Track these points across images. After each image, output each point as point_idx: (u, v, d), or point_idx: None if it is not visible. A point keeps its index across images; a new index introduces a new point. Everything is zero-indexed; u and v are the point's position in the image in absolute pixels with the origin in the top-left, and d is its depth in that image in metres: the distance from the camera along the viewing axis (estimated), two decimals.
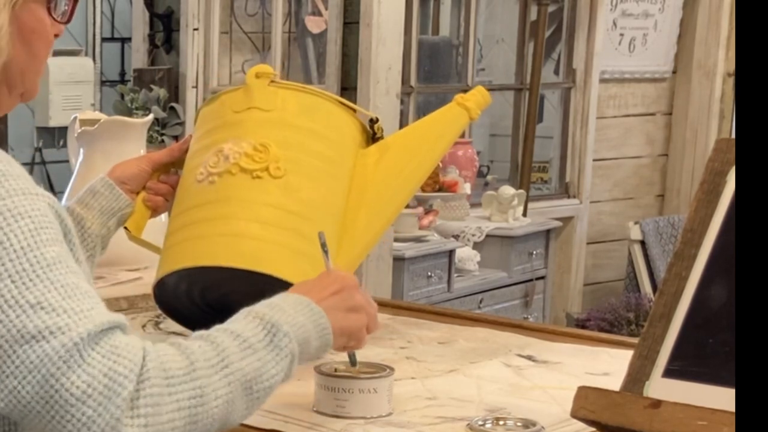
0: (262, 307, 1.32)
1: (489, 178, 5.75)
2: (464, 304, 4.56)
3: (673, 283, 1.31)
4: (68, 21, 1.42)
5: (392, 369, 1.55)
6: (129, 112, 4.78)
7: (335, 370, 1.54)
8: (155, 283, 1.79)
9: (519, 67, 5.65)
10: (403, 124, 4.70)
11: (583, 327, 4.85)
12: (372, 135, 1.87)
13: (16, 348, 1.14)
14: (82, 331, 1.14)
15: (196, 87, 5.03)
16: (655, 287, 5.49)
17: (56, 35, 1.41)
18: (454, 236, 4.71)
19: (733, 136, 1.42)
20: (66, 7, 1.41)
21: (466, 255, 4.72)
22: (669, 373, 1.27)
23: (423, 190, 4.73)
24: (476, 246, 4.83)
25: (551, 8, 5.46)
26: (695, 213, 1.34)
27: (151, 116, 2.65)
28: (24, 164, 1.26)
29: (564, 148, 5.74)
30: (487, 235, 4.85)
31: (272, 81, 1.81)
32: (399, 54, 4.37)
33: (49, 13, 1.38)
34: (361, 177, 1.82)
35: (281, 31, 5.04)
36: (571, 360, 1.81)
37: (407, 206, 3.82)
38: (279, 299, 1.35)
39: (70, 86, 4.97)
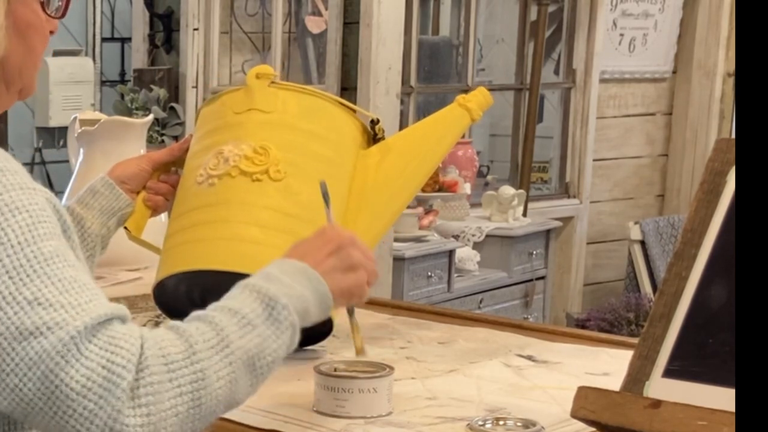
0: (259, 279, 1.30)
1: (489, 178, 5.75)
2: (464, 304, 4.56)
3: (673, 283, 1.31)
4: (62, 16, 1.42)
5: (392, 368, 1.55)
6: (129, 112, 4.78)
7: (335, 370, 1.54)
8: (155, 285, 1.79)
9: (519, 67, 5.65)
10: (403, 124, 4.70)
11: (583, 327, 4.85)
12: (373, 136, 1.87)
13: (15, 345, 1.15)
14: (78, 325, 1.14)
15: (196, 87, 5.03)
16: (655, 287, 5.49)
17: (52, 32, 1.42)
18: (454, 236, 4.71)
19: (733, 136, 1.42)
20: (59, 3, 1.42)
21: (466, 255, 4.72)
22: (669, 373, 1.27)
23: (423, 190, 4.73)
24: (476, 246, 4.83)
25: (551, 8, 5.46)
26: (695, 213, 1.34)
27: (151, 116, 2.65)
28: (24, 164, 1.27)
29: (564, 148, 5.74)
30: (487, 235, 4.85)
31: (273, 82, 1.81)
32: (399, 54, 4.37)
33: (43, 9, 1.39)
34: (362, 178, 1.82)
35: (281, 31, 5.04)
36: (571, 360, 1.81)
37: (407, 206, 3.83)
38: (275, 269, 1.33)
39: (70, 86, 4.97)
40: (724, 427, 1.15)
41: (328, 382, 1.52)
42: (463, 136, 5.01)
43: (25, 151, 4.98)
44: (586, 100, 5.67)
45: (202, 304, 1.79)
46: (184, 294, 1.78)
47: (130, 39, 5.29)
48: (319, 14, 5.10)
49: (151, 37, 5.19)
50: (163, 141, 4.77)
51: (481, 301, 4.72)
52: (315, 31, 5.12)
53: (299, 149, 1.76)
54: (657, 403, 1.21)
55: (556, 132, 5.79)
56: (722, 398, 1.19)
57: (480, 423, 1.44)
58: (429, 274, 4.43)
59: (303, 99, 1.82)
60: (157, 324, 1.99)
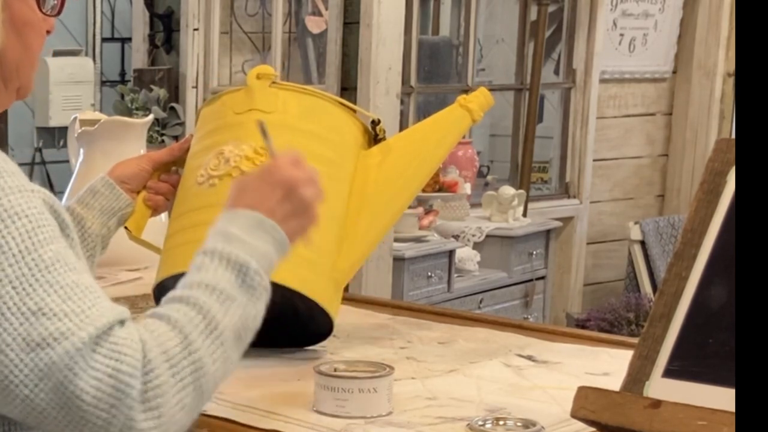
0: (221, 242, 1.29)
1: (489, 178, 5.75)
2: (464, 304, 4.56)
3: (673, 283, 1.31)
4: (58, 14, 1.43)
5: (392, 368, 1.55)
6: (129, 113, 4.78)
7: (335, 370, 1.54)
8: (155, 285, 1.79)
9: (519, 67, 5.65)
10: (403, 124, 4.70)
11: (583, 327, 4.85)
12: (374, 136, 1.87)
13: (23, 356, 1.15)
14: (83, 336, 1.15)
15: (196, 87, 5.03)
16: (655, 287, 5.49)
17: (48, 31, 1.43)
18: (454, 236, 4.71)
19: (733, 136, 1.42)
20: (55, 1, 1.42)
21: (466, 255, 4.72)
22: (669, 373, 1.27)
23: (423, 190, 4.69)
24: (476, 246, 4.83)
25: (551, 8, 5.46)
26: (695, 213, 1.34)
27: (151, 116, 2.65)
28: (24, 164, 1.27)
29: (564, 148, 5.74)
30: (487, 235, 4.85)
31: (273, 82, 1.81)
32: (399, 54, 4.37)
33: (39, 7, 1.39)
34: (363, 178, 1.82)
35: (281, 31, 5.04)
36: (571, 360, 1.81)
37: (407, 207, 3.82)
38: (233, 226, 1.31)
39: (70, 86, 4.96)
40: (724, 427, 1.15)
41: (328, 382, 1.52)
42: (464, 137, 5.01)
43: (25, 151, 4.98)
44: (586, 100, 5.67)
45: None
46: None
47: (130, 39, 5.28)
48: (319, 14, 5.10)
49: (151, 37, 5.19)
50: (163, 141, 4.77)
51: (481, 301, 4.72)
52: (315, 31, 5.12)
53: (300, 149, 1.76)
54: (657, 403, 1.21)
55: (556, 132, 5.79)
56: (722, 398, 1.19)
57: (480, 423, 1.44)
58: (429, 274, 4.43)
59: (304, 99, 1.82)
60: None
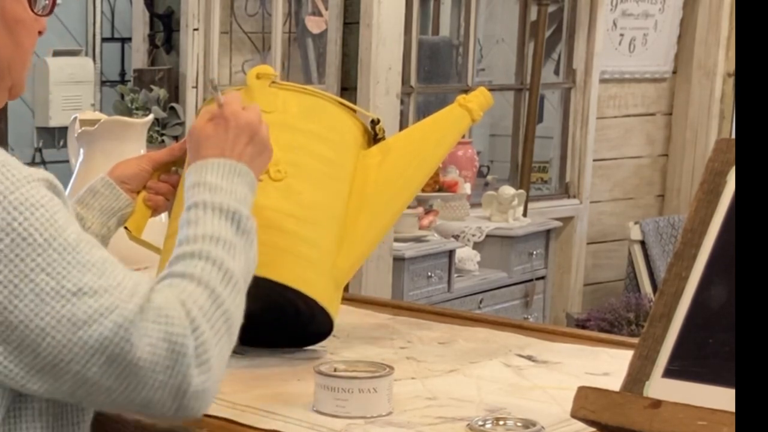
0: (206, 193, 1.38)
1: (489, 178, 5.75)
2: (464, 304, 4.56)
3: (673, 283, 1.31)
4: (49, 13, 1.44)
5: (392, 368, 1.55)
6: (129, 112, 4.78)
7: (335, 370, 1.54)
8: None
9: (519, 67, 5.65)
10: (403, 124, 4.70)
11: (583, 327, 4.85)
12: (374, 136, 1.87)
13: (71, 336, 1.20)
14: (131, 307, 1.22)
15: (196, 87, 5.03)
16: (655, 287, 5.49)
17: (40, 32, 1.44)
18: (454, 236, 4.71)
19: (733, 136, 1.42)
20: (46, 1, 1.44)
21: (466, 255, 4.72)
22: (669, 373, 1.27)
23: (423, 190, 4.71)
24: (476, 246, 4.83)
25: (551, 8, 5.46)
26: (695, 213, 1.34)
27: (151, 116, 2.65)
28: (24, 164, 1.28)
29: (564, 148, 5.74)
30: (487, 235, 4.85)
31: (273, 82, 1.81)
32: (399, 54, 4.37)
33: (31, 7, 1.40)
34: (363, 178, 1.82)
35: (281, 31, 5.04)
36: (571, 360, 1.81)
37: (407, 206, 3.82)
38: (211, 176, 1.40)
39: (70, 86, 4.96)
40: (724, 427, 1.15)
41: (328, 382, 1.52)
42: (463, 136, 5.00)
43: (25, 151, 4.98)
44: (586, 100, 5.67)
45: None
46: None
47: (130, 39, 5.28)
48: (319, 14, 5.10)
49: (151, 37, 5.19)
50: (163, 141, 4.77)
51: (481, 301, 4.72)
52: (315, 31, 5.13)
53: (300, 149, 1.76)
54: (657, 403, 1.21)
55: (556, 132, 5.79)
56: (722, 398, 1.19)
57: (480, 423, 1.44)
58: (429, 274, 4.43)
59: (303, 99, 1.82)
60: None
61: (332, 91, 4.23)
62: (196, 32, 5.01)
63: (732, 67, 5.84)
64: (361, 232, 1.79)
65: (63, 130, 3.85)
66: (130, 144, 2.41)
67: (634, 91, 5.95)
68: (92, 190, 1.76)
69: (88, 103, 4.98)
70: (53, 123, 4.96)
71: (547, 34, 5.47)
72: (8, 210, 1.21)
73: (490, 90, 1.96)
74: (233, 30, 5.19)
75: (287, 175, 1.73)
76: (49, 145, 5.08)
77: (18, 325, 1.20)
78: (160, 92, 4.89)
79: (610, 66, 5.78)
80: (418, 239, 4.44)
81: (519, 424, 1.44)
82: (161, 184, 1.82)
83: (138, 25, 5.22)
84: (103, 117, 2.48)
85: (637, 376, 1.29)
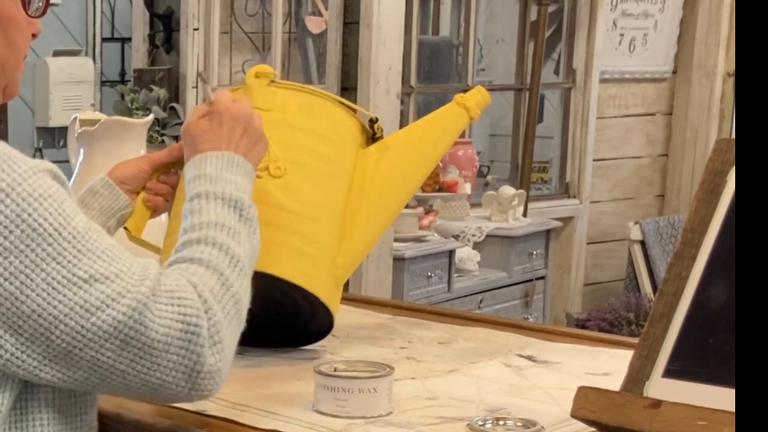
0: (207, 184, 1.42)
1: (489, 178, 5.75)
2: (464, 304, 4.56)
3: (673, 283, 1.31)
4: (42, 15, 1.45)
5: (392, 368, 1.55)
6: (129, 112, 4.78)
7: (335, 370, 1.54)
8: None
9: (519, 67, 5.65)
10: (403, 124, 4.70)
11: (583, 327, 4.85)
12: (372, 135, 1.87)
13: (84, 322, 1.22)
14: (143, 290, 1.23)
15: (196, 87, 5.03)
16: (655, 287, 5.49)
17: (34, 35, 1.46)
18: (454, 236, 4.71)
19: (733, 136, 1.42)
20: (40, 3, 1.45)
21: (466, 255, 4.72)
22: (669, 373, 1.26)
23: (423, 190, 4.73)
24: (476, 246, 4.83)
25: (551, 8, 5.46)
26: (695, 213, 1.34)
27: (151, 116, 2.65)
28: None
29: (564, 148, 5.74)
30: (487, 235, 4.85)
31: (272, 81, 1.81)
32: (399, 54, 4.37)
33: (24, 8, 1.41)
34: (361, 177, 1.82)
35: (281, 31, 5.03)
36: (571, 360, 1.81)
37: (407, 206, 3.82)
38: (211, 168, 1.44)
39: (70, 86, 4.96)
40: (724, 427, 1.15)
41: (328, 382, 1.52)
42: (463, 136, 5.02)
43: (25, 151, 4.91)
44: (586, 100, 5.67)
45: None
46: None
47: (130, 39, 5.28)
48: (319, 14, 5.10)
49: (151, 37, 5.18)
50: (163, 141, 4.77)
51: (481, 301, 4.72)
52: (315, 31, 5.12)
53: (299, 147, 1.76)
54: (657, 403, 1.21)
55: (556, 132, 5.79)
56: (722, 398, 1.19)
57: (480, 423, 1.44)
58: (429, 274, 4.43)
59: (302, 98, 1.82)
60: None
61: (332, 91, 4.21)
62: (196, 32, 5.01)
63: (732, 67, 5.84)
64: (360, 230, 1.80)
65: (63, 130, 3.85)
66: (130, 144, 2.40)
67: (634, 91, 5.95)
68: (92, 190, 1.76)
69: (88, 103, 4.98)
70: (53, 123, 4.96)
71: (547, 34, 5.47)
72: (17, 202, 1.23)
73: (490, 90, 1.97)
74: (233, 30, 5.19)
75: (287, 172, 1.73)
76: (49, 145, 5.08)
77: (31, 315, 1.21)
78: (160, 92, 4.88)
79: (610, 66, 5.78)
80: (418, 239, 4.44)
81: (519, 424, 1.43)
82: (160, 185, 1.82)
83: (138, 25, 5.22)
84: (103, 117, 2.48)
85: (637, 376, 1.29)
